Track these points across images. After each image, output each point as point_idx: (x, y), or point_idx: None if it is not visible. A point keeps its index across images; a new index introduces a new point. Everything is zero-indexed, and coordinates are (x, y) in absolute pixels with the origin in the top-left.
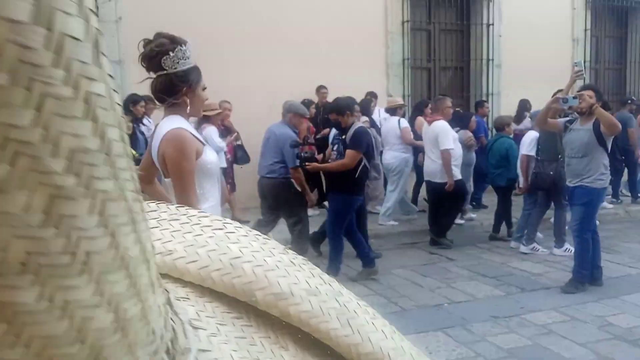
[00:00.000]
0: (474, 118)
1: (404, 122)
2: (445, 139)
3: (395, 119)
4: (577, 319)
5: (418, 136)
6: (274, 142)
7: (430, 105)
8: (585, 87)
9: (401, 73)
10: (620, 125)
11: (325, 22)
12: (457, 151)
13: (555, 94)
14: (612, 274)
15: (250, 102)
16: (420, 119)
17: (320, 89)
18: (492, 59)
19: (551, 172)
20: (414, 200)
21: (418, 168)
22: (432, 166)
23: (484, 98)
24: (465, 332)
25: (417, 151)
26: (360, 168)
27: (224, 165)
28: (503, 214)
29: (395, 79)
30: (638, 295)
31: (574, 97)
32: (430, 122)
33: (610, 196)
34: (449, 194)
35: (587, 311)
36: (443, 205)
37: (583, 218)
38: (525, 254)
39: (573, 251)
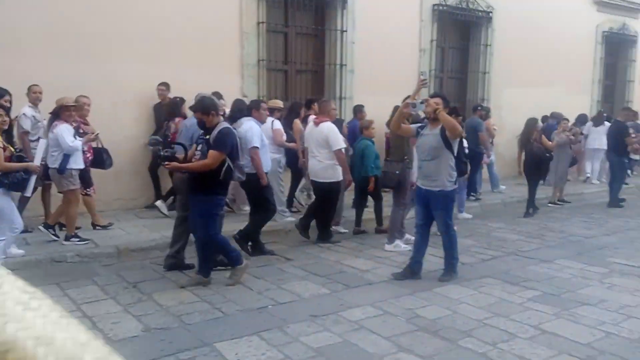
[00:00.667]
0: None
1: (277, 124)
2: (336, 139)
3: (269, 120)
4: (389, 313)
5: (291, 138)
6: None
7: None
8: (434, 95)
9: (256, 74)
10: (460, 129)
11: (178, 21)
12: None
13: (404, 100)
14: (430, 267)
15: (95, 98)
16: (297, 121)
17: (159, 86)
18: (345, 64)
19: (397, 172)
20: (290, 200)
21: (296, 168)
22: (318, 166)
23: (337, 102)
24: (281, 334)
25: (291, 152)
26: (224, 169)
27: (81, 166)
28: (358, 207)
29: (249, 80)
30: (449, 287)
31: (421, 102)
32: (317, 124)
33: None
34: (333, 193)
35: (400, 304)
36: (323, 204)
37: (445, 219)
38: (361, 251)
39: (404, 247)
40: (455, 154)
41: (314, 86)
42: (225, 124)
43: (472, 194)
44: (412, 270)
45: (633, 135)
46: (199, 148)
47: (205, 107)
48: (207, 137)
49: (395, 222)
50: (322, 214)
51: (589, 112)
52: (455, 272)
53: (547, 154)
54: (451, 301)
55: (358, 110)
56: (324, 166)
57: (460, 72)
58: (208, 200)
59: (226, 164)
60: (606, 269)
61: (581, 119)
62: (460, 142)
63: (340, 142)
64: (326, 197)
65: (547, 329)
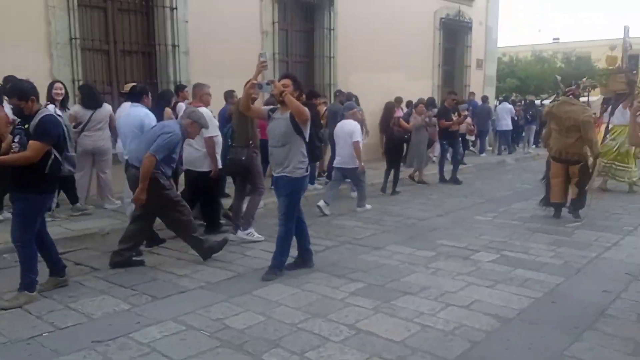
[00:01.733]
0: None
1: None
2: (211, 126)
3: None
4: (193, 328)
5: None
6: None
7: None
8: (284, 76)
9: (68, 54)
10: (307, 113)
11: None
12: (219, 139)
13: (247, 84)
14: (259, 265)
15: None
16: (168, 110)
17: None
18: (178, 45)
19: (243, 158)
20: None
21: None
22: (194, 154)
23: (172, 86)
24: None
25: None
26: (50, 162)
27: None
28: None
29: (60, 60)
30: (271, 288)
31: (267, 84)
32: None
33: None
34: (212, 182)
35: (209, 315)
36: (205, 194)
37: (287, 208)
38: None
39: (258, 237)
40: (308, 139)
41: (144, 69)
42: (48, 111)
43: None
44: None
45: (464, 115)
46: (16, 139)
47: (23, 91)
48: (27, 126)
49: (253, 208)
50: (210, 205)
51: (434, 93)
52: (281, 269)
53: (406, 136)
54: (269, 304)
55: (229, 95)
56: (202, 154)
57: (306, 56)
58: (30, 198)
59: (52, 156)
60: (433, 252)
61: (430, 102)
62: (313, 125)
63: (213, 130)
64: (207, 186)
65: (362, 328)
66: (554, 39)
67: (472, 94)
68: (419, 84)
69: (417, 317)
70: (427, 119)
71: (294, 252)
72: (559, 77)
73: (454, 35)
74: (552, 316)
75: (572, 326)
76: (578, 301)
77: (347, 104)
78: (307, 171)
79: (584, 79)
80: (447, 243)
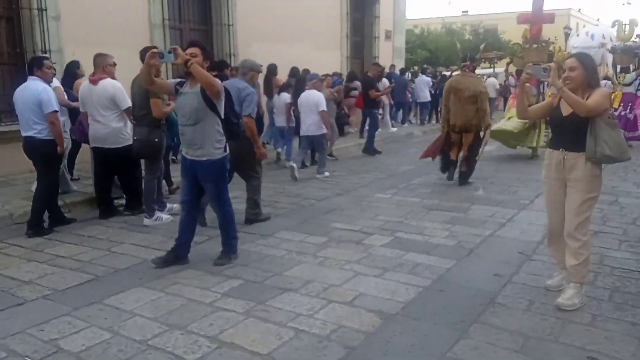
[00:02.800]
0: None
1: (56, 82)
2: (123, 98)
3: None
4: (14, 354)
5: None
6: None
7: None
8: (191, 43)
9: None
10: (220, 85)
11: None
12: None
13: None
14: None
15: None
16: (79, 82)
17: None
18: (45, 9)
19: (156, 140)
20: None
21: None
22: (103, 131)
23: (44, 54)
24: None
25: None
26: None
27: None
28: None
29: None
30: (129, 293)
31: (169, 52)
32: (95, 82)
33: None
34: (128, 158)
35: (42, 335)
36: (120, 171)
37: (217, 193)
38: (41, 251)
39: (167, 218)
40: (223, 116)
41: (8, 36)
42: None
43: None
44: (177, 254)
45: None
46: None
47: None
48: None
49: (151, 192)
50: (128, 182)
51: (339, 68)
52: (235, 252)
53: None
54: (120, 316)
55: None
56: (112, 130)
57: (203, 23)
58: None
59: None
60: (325, 237)
61: (351, 76)
62: (228, 100)
63: (127, 101)
64: (124, 164)
65: (226, 339)
66: (463, 12)
67: (393, 66)
68: (327, 54)
69: (292, 320)
70: (335, 93)
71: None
72: (458, 45)
73: (362, 4)
74: (438, 308)
75: (458, 319)
76: (467, 288)
77: (310, 74)
78: (225, 150)
79: (481, 49)
80: (341, 226)
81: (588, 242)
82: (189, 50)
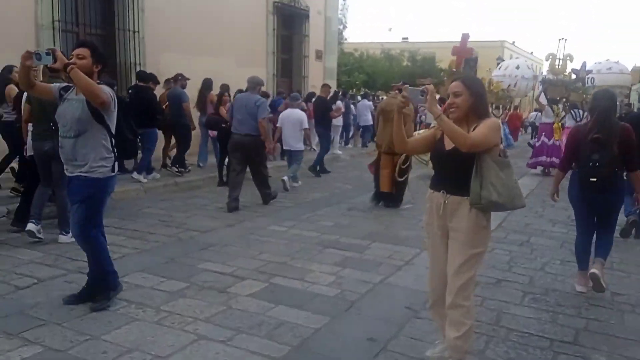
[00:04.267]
0: None
1: None
2: None
3: None
4: None
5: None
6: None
7: None
8: (80, 44)
9: None
10: (105, 96)
11: None
12: None
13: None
14: None
15: None
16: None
17: None
18: None
19: (46, 149)
20: None
21: None
22: None
23: None
24: None
25: None
26: None
27: None
28: None
29: None
30: None
31: (47, 53)
32: None
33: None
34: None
35: None
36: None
37: (87, 217)
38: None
39: None
40: (114, 130)
41: None
42: None
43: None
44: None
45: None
46: None
47: None
48: None
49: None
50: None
51: (264, 87)
52: (115, 288)
53: (223, 125)
54: None
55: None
56: None
57: (102, 27)
58: None
59: None
60: (186, 282)
61: (310, 96)
62: (124, 113)
63: None
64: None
65: None
66: (403, 38)
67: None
68: (251, 71)
69: None
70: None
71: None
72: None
73: (290, 22)
74: None
75: None
76: None
77: (292, 95)
78: (113, 170)
79: (427, 79)
80: (211, 267)
81: (471, 309)
82: (77, 51)
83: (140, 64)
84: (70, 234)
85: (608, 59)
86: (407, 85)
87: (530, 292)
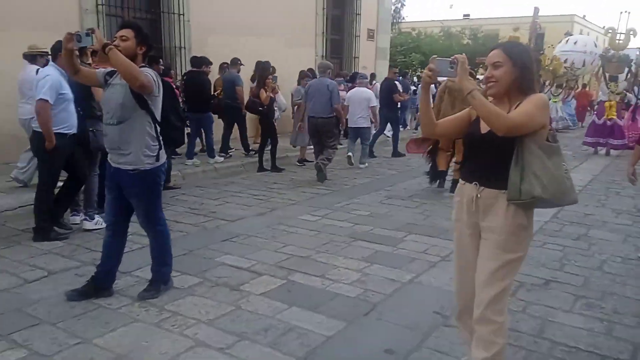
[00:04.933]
0: None
1: None
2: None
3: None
4: None
5: None
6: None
7: None
8: (124, 25)
9: None
10: (148, 79)
11: None
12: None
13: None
14: None
15: None
16: None
17: None
18: None
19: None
20: None
21: None
22: None
23: None
24: None
25: None
26: None
27: None
28: None
29: None
30: None
31: (87, 34)
32: None
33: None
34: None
35: None
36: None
37: (147, 212)
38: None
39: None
40: (160, 117)
41: None
42: None
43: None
44: (97, 285)
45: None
46: None
47: None
48: None
49: (91, 194)
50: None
51: (314, 67)
52: (167, 282)
53: (260, 108)
54: None
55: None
56: None
57: (149, 11)
58: None
59: None
60: (199, 278)
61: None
62: (171, 99)
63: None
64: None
65: None
66: (464, 15)
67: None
68: (300, 52)
69: None
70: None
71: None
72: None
73: (341, 1)
74: None
75: None
76: None
77: (360, 74)
78: (158, 160)
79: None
80: (229, 261)
81: (504, 326)
82: (120, 33)
83: (186, 47)
84: (95, 219)
85: None
86: (436, 56)
87: (583, 296)
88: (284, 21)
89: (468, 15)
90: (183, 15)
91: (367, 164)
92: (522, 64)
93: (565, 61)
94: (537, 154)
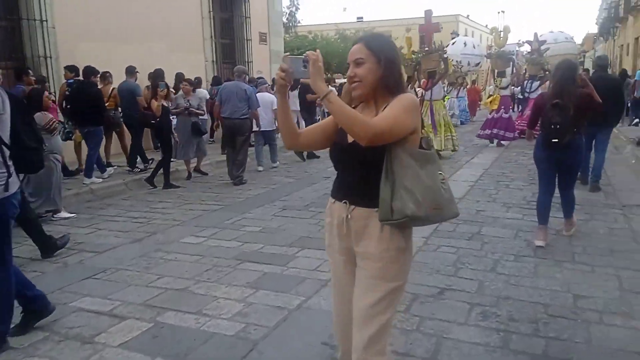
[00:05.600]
0: None
1: None
2: None
3: None
4: None
5: None
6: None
7: None
8: None
9: None
10: None
11: None
12: None
13: None
14: None
15: None
16: None
17: None
18: None
19: None
20: None
21: None
22: None
23: None
24: None
25: None
26: None
27: None
28: None
29: None
30: None
31: None
32: None
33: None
34: None
35: None
36: None
37: None
38: None
39: None
40: (7, 139)
41: None
42: None
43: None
44: (33, 310)
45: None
46: None
47: None
48: None
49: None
50: None
51: (203, 73)
52: (3, 342)
53: (152, 121)
54: None
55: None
56: None
57: (4, 18)
58: None
59: None
60: (43, 332)
61: (216, 80)
62: (22, 115)
63: None
64: None
65: None
66: (358, 18)
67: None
68: (187, 57)
69: None
70: (188, 102)
71: None
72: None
73: (228, 3)
74: None
75: None
76: None
77: (260, 79)
78: (7, 189)
79: None
80: (88, 305)
81: None
82: None
83: (52, 56)
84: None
85: (552, 31)
86: (288, 54)
87: (477, 304)
88: (166, 25)
89: (362, 18)
90: (46, 21)
91: (278, 162)
92: (388, 60)
93: (466, 63)
94: (408, 164)
